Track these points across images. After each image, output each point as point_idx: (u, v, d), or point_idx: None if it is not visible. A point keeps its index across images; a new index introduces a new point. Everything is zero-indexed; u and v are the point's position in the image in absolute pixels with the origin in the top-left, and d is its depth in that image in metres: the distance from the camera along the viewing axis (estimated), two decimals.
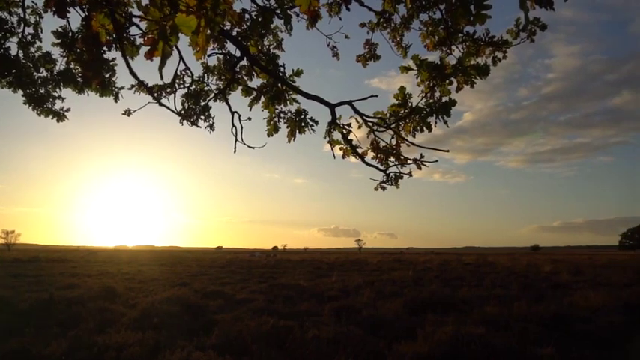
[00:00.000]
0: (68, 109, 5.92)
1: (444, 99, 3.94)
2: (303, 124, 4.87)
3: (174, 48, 4.11)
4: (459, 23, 2.96)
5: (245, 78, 5.19)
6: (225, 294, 13.52)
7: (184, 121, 5.20)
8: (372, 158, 4.65)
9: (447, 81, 3.95)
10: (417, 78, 4.11)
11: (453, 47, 4.23)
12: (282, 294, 13.99)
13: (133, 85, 5.01)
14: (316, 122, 4.91)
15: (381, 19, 4.55)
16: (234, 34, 4.80)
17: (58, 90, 5.77)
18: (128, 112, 5.06)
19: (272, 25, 5.11)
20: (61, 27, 5.09)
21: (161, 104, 4.20)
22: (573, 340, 8.21)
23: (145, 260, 44.97)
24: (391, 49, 4.68)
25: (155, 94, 4.89)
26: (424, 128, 4.10)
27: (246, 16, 4.51)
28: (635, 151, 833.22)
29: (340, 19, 4.95)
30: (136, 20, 3.92)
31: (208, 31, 1.85)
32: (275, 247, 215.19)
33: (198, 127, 5.37)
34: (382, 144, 4.57)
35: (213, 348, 6.96)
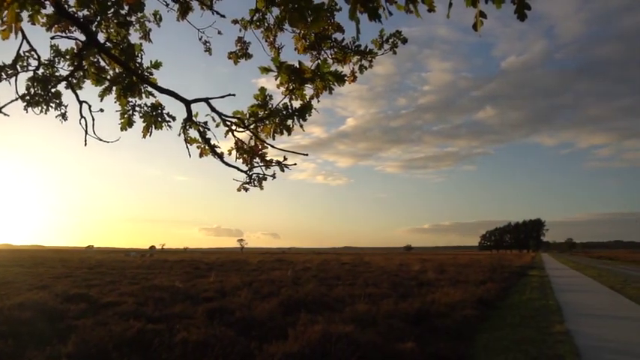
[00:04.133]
0: None
1: (306, 102, 4.02)
2: (159, 119, 4.66)
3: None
4: (295, 27, 3.04)
5: (96, 66, 4.81)
6: (90, 297, 12.56)
7: (29, 109, 4.68)
8: (237, 159, 4.59)
9: (306, 85, 4.04)
10: (276, 80, 4.16)
11: (323, 52, 4.33)
12: (155, 296, 13.38)
13: None
14: (173, 118, 4.71)
15: (254, 18, 4.52)
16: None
17: None
18: None
19: (139, 14, 4.84)
20: None
21: None
22: (432, 334, 8.88)
23: None
24: (263, 49, 4.65)
25: None
26: (284, 130, 4.15)
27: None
28: (495, 161, 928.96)
29: (212, 13, 4.83)
30: None
31: (17, 9, 1.65)
32: (152, 247, 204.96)
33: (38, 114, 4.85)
34: (246, 145, 4.53)
35: (69, 357, 6.42)
